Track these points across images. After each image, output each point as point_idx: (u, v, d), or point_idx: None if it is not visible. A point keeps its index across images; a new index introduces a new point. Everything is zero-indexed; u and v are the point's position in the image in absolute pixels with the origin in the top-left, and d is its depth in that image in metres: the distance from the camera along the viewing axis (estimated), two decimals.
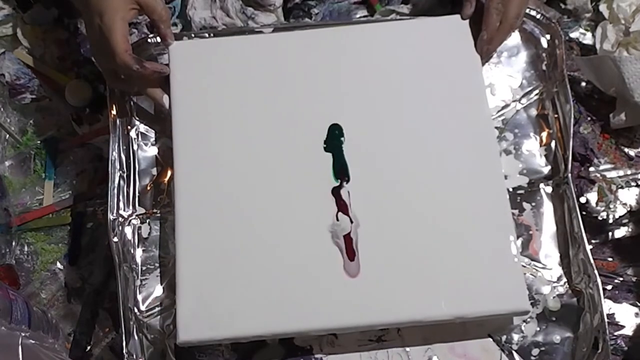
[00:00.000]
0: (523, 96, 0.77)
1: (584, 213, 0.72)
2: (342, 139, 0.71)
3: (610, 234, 0.75)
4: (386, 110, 0.73)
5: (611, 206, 0.74)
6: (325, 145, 0.71)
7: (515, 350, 0.68)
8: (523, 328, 0.69)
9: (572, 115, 0.73)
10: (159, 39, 0.76)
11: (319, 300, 0.66)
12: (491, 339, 0.68)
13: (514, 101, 0.77)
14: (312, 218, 0.69)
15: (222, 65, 0.75)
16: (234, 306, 0.66)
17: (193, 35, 0.79)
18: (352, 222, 0.68)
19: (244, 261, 0.67)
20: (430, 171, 0.70)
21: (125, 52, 0.68)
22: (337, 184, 0.70)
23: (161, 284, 0.72)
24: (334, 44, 0.76)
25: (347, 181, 0.70)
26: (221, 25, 0.82)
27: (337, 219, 0.68)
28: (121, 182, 0.74)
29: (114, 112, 0.75)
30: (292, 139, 0.72)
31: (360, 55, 0.75)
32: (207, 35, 0.79)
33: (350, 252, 0.67)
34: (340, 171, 0.70)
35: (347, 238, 0.68)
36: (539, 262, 0.71)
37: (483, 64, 0.75)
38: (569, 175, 0.71)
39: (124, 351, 0.67)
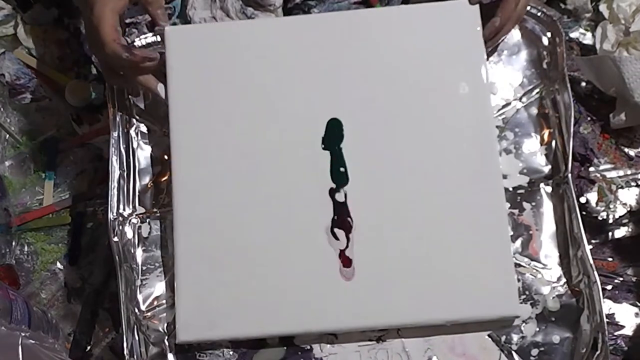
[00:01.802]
0: (524, 95, 0.77)
1: (584, 213, 0.72)
2: (342, 134, 0.71)
3: (610, 234, 0.74)
4: (386, 106, 0.71)
5: (611, 206, 0.74)
6: (323, 145, 0.70)
7: (515, 351, 0.68)
8: (522, 328, 0.69)
9: (572, 115, 0.73)
10: (158, 38, 0.76)
11: (315, 301, 0.66)
12: (490, 339, 0.68)
13: (514, 100, 0.77)
14: (310, 219, 0.69)
15: (220, 52, 0.72)
16: (233, 307, 0.67)
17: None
18: (350, 224, 0.69)
19: (242, 262, 0.68)
20: (429, 172, 0.70)
21: (114, 41, 0.68)
22: (335, 185, 0.70)
23: (162, 284, 0.72)
24: (338, 30, 0.73)
25: (346, 182, 0.69)
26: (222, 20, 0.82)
27: (335, 219, 0.69)
28: (121, 181, 0.74)
29: (113, 110, 0.75)
30: (291, 136, 0.71)
31: (363, 44, 0.73)
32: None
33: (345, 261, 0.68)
34: (338, 172, 0.70)
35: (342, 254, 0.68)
36: (539, 262, 0.71)
37: (489, 54, 0.74)
38: (569, 175, 0.71)
39: (124, 351, 0.67)
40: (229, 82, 0.72)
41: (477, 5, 0.73)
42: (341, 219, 0.69)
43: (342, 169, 0.70)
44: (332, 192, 0.69)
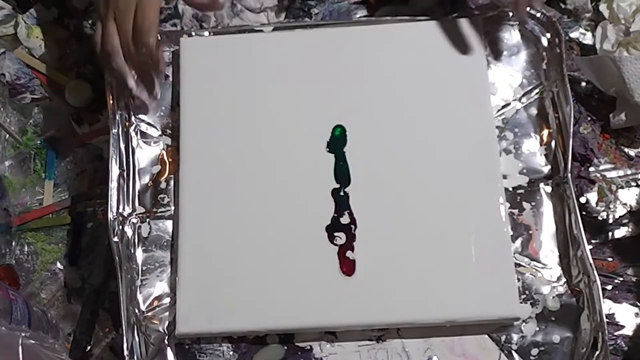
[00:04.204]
0: (523, 95, 0.77)
1: (584, 213, 0.72)
2: (345, 138, 0.72)
3: (610, 234, 0.74)
4: (389, 111, 0.73)
5: (611, 206, 0.74)
6: (328, 149, 0.72)
7: (515, 350, 0.68)
8: (522, 328, 0.69)
9: (572, 115, 0.73)
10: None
11: (315, 298, 0.67)
12: (490, 339, 0.68)
13: (514, 100, 0.77)
14: (311, 217, 0.69)
15: (231, 63, 0.75)
16: (233, 301, 0.67)
17: (193, 33, 0.79)
18: (351, 224, 0.69)
19: (243, 257, 0.68)
20: (430, 173, 0.71)
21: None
22: (338, 185, 0.71)
23: (162, 284, 0.72)
24: (345, 43, 0.77)
25: (348, 183, 0.70)
26: (212, 15, 0.82)
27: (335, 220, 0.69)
28: (121, 180, 0.74)
29: (113, 110, 0.75)
30: (296, 139, 0.72)
31: (367, 56, 0.76)
32: (207, 33, 0.79)
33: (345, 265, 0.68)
34: (341, 173, 0.71)
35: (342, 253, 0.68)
36: (539, 261, 0.71)
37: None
38: (569, 175, 0.71)
39: (124, 352, 0.67)
40: (239, 89, 0.75)
41: (480, 20, 0.76)
42: (342, 217, 0.69)
43: (345, 171, 0.71)
44: (334, 192, 0.70)
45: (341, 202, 0.70)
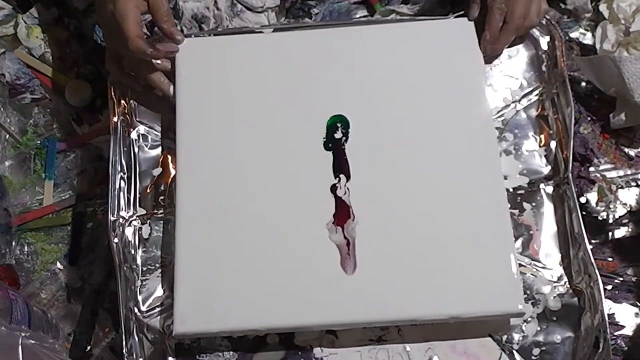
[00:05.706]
0: (523, 97, 0.77)
1: (584, 213, 0.72)
2: (344, 131, 0.72)
3: (610, 234, 0.74)
4: (388, 110, 0.73)
5: (611, 206, 0.74)
6: (325, 139, 0.72)
7: (516, 350, 0.68)
8: (524, 328, 0.69)
9: (573, 117, 0.73)
10: None
11: (315, 295, 0.66)
12: (491, 338, 0.68)
13: (513, 102, 0.77)
14: (311, 214, 0.69)
15: (228, 63, 0.75)
16: (231, 299, 0.66)
17: (193, 35, 0.79)
18: (350, 218, 0.69)
19: (242, 255, 0.68)
20: (430, 171, 0.70)
21: (138, 37, 0.69)
22: (337, 181, 0.70)
23: (162, 285, 0.71)
24: (342, 44, 0.77)
25: (347, 179, 0.70)
26: (212, 16, 0.82)
27: (335, 216, 0.69)
28: (122, 183, 0.74)
29: (114, 113, 0.75)
30: (294, 137, 0.72)
31: (365, 56, 0.76)
32: (205, 35, 0.79)
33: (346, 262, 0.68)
34: (340, 169, 0.70)
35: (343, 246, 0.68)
36: (540, 262, 0.71)
37: (488, 63, 0.76)
38: (570, 175, 0.71)
39: (124, 351, 0.67)
40: (236, 87, 0.74)
41: (472, 21, 0.76)
42: (341, 211, 0.69)
43: (344, 167, 0.71)
44: (333, 188, 0.70)
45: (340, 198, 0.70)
